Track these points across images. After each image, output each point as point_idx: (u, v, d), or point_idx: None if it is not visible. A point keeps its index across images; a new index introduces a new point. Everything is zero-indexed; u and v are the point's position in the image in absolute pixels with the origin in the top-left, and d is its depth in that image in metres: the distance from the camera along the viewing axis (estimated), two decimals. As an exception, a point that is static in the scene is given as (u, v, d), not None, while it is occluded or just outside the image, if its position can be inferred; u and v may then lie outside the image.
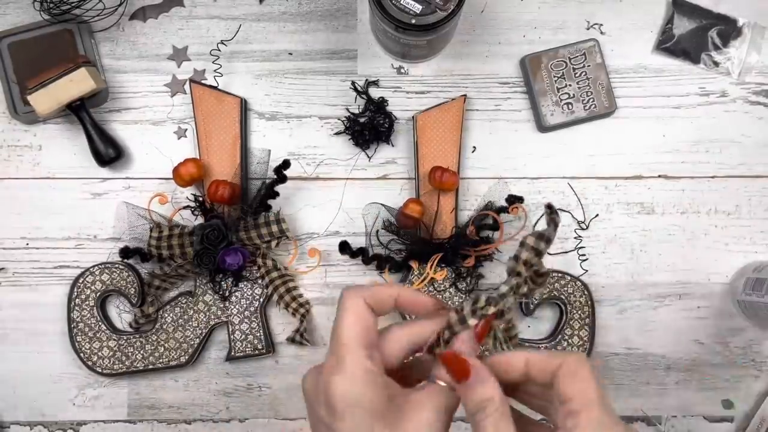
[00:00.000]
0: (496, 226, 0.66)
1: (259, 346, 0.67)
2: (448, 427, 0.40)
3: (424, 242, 0.66)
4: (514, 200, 0.66)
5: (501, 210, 0.67)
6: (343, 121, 0.69)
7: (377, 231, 0.68)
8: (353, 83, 0.70)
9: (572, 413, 0.36)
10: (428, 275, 0.65)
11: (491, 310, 0.39)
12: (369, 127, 0.68)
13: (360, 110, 0.69)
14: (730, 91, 0.70)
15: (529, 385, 0.41)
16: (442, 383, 0.40)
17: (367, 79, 0.69)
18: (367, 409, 0.37)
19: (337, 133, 0.69)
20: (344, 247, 0.66)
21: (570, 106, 0.69)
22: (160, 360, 0.67)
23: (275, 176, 0.65)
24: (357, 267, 0.68)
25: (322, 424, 0.38)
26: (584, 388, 0.36)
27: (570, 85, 0.69)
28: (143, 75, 0.70)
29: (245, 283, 0.68)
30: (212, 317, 0.67)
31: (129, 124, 0.70)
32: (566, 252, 0.69)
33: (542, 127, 0.69)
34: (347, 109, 0.69)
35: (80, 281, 0.67)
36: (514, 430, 0.38)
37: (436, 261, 0.65)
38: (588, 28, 0.70)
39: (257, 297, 0.68)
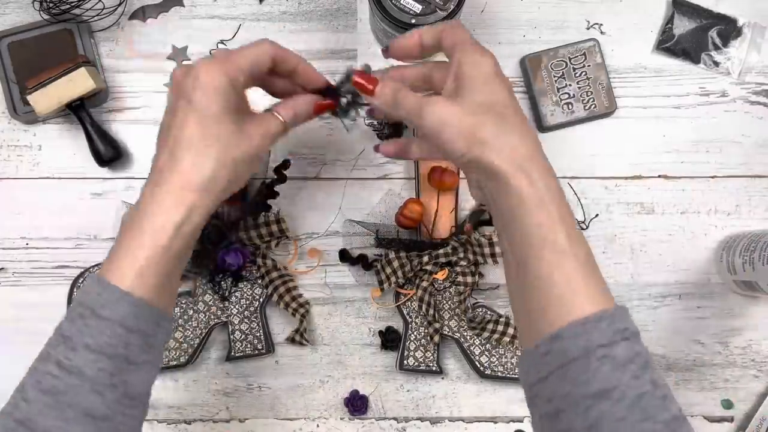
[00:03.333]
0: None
1: (259, 346, 0.67)
2: (267, 149, 0.51)
3: (424, 243, 0.66)
4: None
5: None
6: (374, 123, 0.69)
7: (377, 231, 0.67)
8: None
9: (452, 49, 0.49)
10: (431, 278, 0.65)
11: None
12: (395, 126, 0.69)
13: None
14: (730, 91, 0.70)
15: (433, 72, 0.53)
16: (278, 115, 0.51)
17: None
18: (226, 100, 0.47)
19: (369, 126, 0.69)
20: (344, 255, 0.67)
21: (570, 106, 0.69)
22: (160, 360, 0.67)
23: (275, 176, 0.64)
24: (357, 268, 0.68)
25: (182, 98, 0.47)
26: (459, 34, 0.49)
27: (570, 85, 0.69)
28: (143, 75, 0.70)
29: (245, 283, 0.68)
30: (212, 317, 0.67)
31: (129, 124, 0.70)
32: (566, 252, 0.69)
33: (542, 127, 0.69)
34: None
35: (80, 281, 0.67)
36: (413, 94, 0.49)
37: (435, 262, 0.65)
38: (588, 28, 0.70)
39: (257, 297, 0.68)
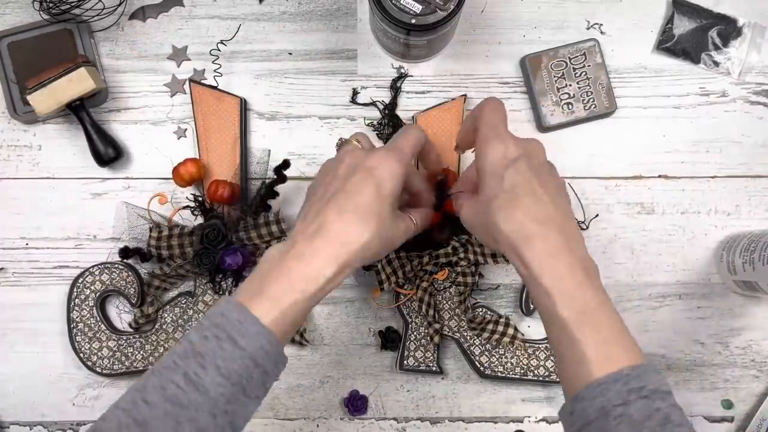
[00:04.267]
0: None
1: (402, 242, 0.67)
2: (401, 243, 0.57)
3: (424, 243, 0.66)
4: None
5: None
6: (374, 123, 0.69)
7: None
8: (354, 91, 0.70)
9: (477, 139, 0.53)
10: (432, 278, 0.65)
11: None
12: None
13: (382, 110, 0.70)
14: (730, 91, 0.70)
15: None
16: (413, 220, 0.57)
17: (401, 74, 0.70)
18: (396, 187, 0.52)
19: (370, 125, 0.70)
20: None
21: (570, 106, 0.69)
22: (160, 360, 0.67)
23: (275, 176, 0.65)
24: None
25: (364, 170, 0.51)
26: (481, 124, 0.53)
27: (570, 85, 0.69)
28: (143, 75, 0.70)
29: (245, 283, 0.68)
30: (212, 317, 0.67)
31: (129, 124, 0.70)
32: (566, 252, 0.69)
33: (542, 127, 0.69)
34: (377, 105, 0.69)
35: (80, 281, 0.67)
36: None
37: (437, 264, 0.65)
38: (588, 28, 0.70)
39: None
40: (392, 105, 0.69)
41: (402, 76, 0.69)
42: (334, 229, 0.49)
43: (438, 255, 0.65)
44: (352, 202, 0.50)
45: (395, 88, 0.69)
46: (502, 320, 0.66)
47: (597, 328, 0.47)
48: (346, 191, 0.51)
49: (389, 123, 0.69)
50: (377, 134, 0.69)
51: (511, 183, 0.50)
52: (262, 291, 0.48)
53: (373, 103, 0.69)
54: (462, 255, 0.65)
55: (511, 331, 0.65)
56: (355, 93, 0.70)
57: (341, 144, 0.58)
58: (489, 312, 0.68)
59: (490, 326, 0.65)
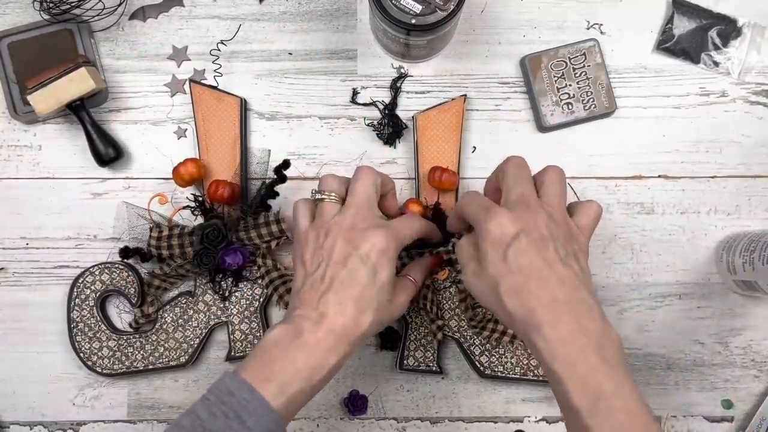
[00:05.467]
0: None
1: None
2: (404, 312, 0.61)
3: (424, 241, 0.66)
4: None
5: None
6: (374, 124, 0.69)
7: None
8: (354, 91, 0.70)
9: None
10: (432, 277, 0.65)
11: None
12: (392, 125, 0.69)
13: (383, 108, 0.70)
14: (730, 91, 0.70)
15: None
16: (412, 279, 0.60)
17: (402, 74, 0.70)
18: (392, 265, 0.55)
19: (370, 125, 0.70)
20: None
21: (570, 106, 0.69)
22: (160, 360, 0.67)
23: (275, 176, 0.65)
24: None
25: (357, 258, 0.53)
26: (468, 209, 0.54)
27: (570, 85, 0.69)
28: (143, 75, 0.70)
29: (245, 283, 0.68)
30: (212, 317, 0.67)
31: (129, 124, 0.70)
32: (566, 252, 0.69)
33: (542, 127, 0.69)
34: (377, 106, 0.69)
35: (80, 281, 0.67)
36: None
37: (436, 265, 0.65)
38: (588, 28, 0.70)
39: (257, 297, 0.68)
40: (392, 105, 0.69)
41: (402, 76, 0.69)
42: (336, 321, 0.52)
43: (438, 252, 0.65)
44: (350, 293, 0.52)
45: (395, 88, 0.69)
46: None
47: (611, 416, 0.45)
48: (342, 281, 0.53)
49: (389, 123, 0.69)
50: (377, 134, 0.69)
51: (516, 264, 0.49)
52: (270, 376, 0.50)
53: (373, 103, 0.69)
54: None
55: (510, 331, 0.65)
56: (355, 93, 0.70)
57: (315, 198, 0.58)
58: (489, 311, 0.68)
59: (490, 325, 0.65)
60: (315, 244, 0.55)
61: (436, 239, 0.64)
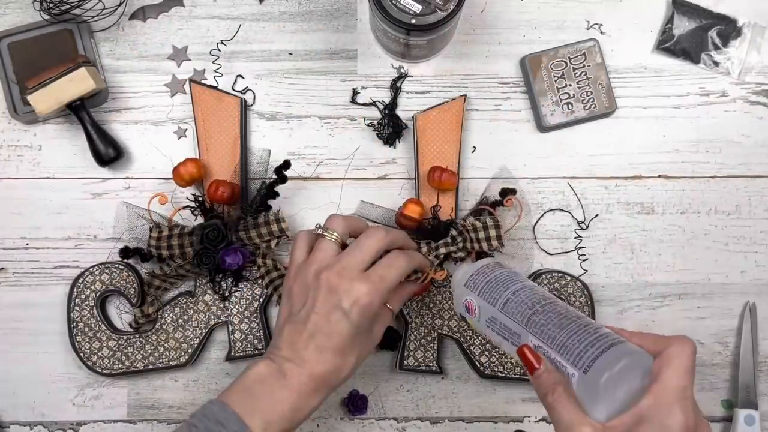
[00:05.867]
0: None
1: (259, 346, 0.67)
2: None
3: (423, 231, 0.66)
4: (507, 193, 0.67)
5: (496, 204, 0.67)
6: (374, 124, 0.69)
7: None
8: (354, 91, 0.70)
9: (651, 389, 0.45)
10: (428, 276, 0.65)
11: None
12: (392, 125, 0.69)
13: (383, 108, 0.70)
14: (730, 91, 0.70)
15: None
16: (390, 307, 0.59)
17: (401, 74, 0.70)
18: (374, 313, 0.55)
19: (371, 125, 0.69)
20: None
21: (570, 106, 0.69)
22: (160, 360, 0.67)
23: (275, 176, 0.65)
24: (357, 267, 0.68)
25: (339, 310, 0.54)
26: (669, 375, 0.45)
27: (570, 85, 0.69)
28: (143, 75, 0.70)
29: (245, 283, 0.68)
30: (212, 317, 0.67)
31: (129, 124, 0.70)
32: (566, 252, 0.69)
33: (542, 127, 0.69)
34: (377, 106, 0.69)
35: (80, 281, 0.67)
36: (577, 405, 0.46)
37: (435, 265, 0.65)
38: (588, 28, 0.70)
39: (257, 297, 0.68)
40: (392, 105, 0.69)
41: (402, 76, 0.69)
42: (316, 369, 0.54)
43: (438, 246, 0.65)
44: (332, 345, 0.54)
45: (395, 88, 0.69)
46: None
47: None
48: (324, 334, 0.54)
49: (389, 123, 0.69)
50: (377, 134, 0.69)
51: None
52: (255, 412, 0.52)
53: (373, 103, 0.69)
54: (461, 245, 0.65)
55: None
56: (355, 93, 0.70)
57: (317, 233, 0.58)
58: None
59: None
60: (302, 282, 0.56)
61: (423, 268, 0.62)
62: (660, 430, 0.44)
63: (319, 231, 0.58)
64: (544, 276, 0.67)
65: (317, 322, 0.54)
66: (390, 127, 0.68)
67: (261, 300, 0.68)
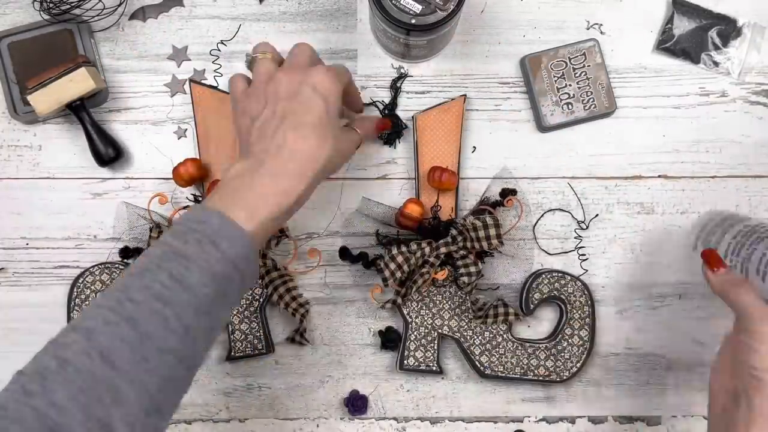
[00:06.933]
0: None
1: (259, 346, 0.67)
2: (352, 155, 0.61)
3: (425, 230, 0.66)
4: (507, 193, 0.67)
5: (497, 204, 0.67)
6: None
7: (377, 231, 0.68)
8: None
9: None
10: (430, 276, 0.65)
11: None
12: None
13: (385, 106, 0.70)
14: (730, 91, 0.70)
15: None
16: (358, 131, 0.60)
17: (401, 73, 0.70)
18: (338, 97, 0.54)
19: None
20: (344, 252, 0.66)
21: (570, 106, 0.69)
22: (160, 360, 0.67)
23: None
24: (356, 267, 0.68)
25: (308, 86, 0.52)
26: None
27: (570, 85, 0.69)
28: (143, 75, 0.70)
29: (245, 283, 0.68)
30: (212, 317, 0.67)
31: (129, 124, 0.70)
32: (566, 252, 0.69)
33: (542, 127, 0.69)
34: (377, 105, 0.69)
35: (80, 281, 0.67)
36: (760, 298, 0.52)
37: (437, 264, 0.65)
38: (588, 28, 0.70)
39: (257, 297, 0.68)
40: (392, 105, 0.69)
41: (402, 76, 0.69)
42: (296, 148, 0.51)
43: (438, 246, 0.64)
44: (306, 119, 0.51)
45: (395, 88, 0.69)
46: (500, 302, 0.67)
47: None
48: (295, 111, 0.52)
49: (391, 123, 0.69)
50: (378, 134, 0.69)
51: None
52: (238, 203, 0.49)
53: (372, 103, 0.69)
54: (461, 244, 0.65)
55: (511, 309, 0.66)
56: None
57: (251, 61, 0.57)
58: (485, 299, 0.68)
59: (492, 311, 0.66)
60: (256, 93, 0.54)
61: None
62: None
63: (250, 57, 0.57)
64: (544, 276, 0.67)
65: (286, 106, 0.52)
66: (390, 128, 0.68)
67: (261, 300, 0.68)
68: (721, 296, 0.55)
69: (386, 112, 0.69)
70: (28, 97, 0.64)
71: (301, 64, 0.55)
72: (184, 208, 0.67)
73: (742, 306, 0.52)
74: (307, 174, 0.51)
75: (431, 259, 0.65)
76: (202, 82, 0.69)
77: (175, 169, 0.66)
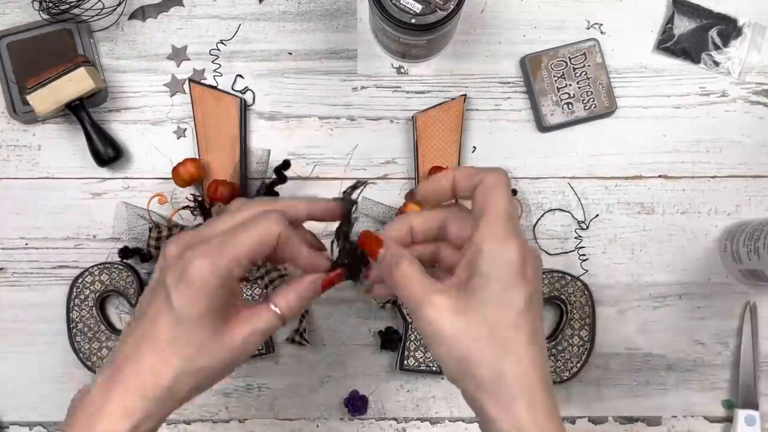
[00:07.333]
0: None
1: (259, 346, 0.67)
2: (251, 353, 0.43)
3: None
4: None
5: None
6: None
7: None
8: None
9: (479, 216, 0.41)
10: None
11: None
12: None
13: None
14: (730, 91, 0.70)
15: (443, 250, 0.45)
16: (274, 308, 0.42)
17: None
18: (211, 302, 0.40)
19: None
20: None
21: (570, 106, 0.69)
22: (160, 360, 0.67)
23: (275, 176, 0.64)
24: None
25: (162, 287, 0.40)
26: (495, 200, 0.41)
27: (570, 85, 0.69)
28: (142, 75, 0.70)
29: (245, 283, 0.68)
30: (212, 317, 0.67)
31: (128, 124, 0.70)
32: (566, 252, 0.69)
33: (542, 127, 0.69)
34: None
35: (79, 281, 0.67)
36: (421, 268, 0.41)
37: None
38: (588, 28, 0.70)
39: (257, 297, 0.68)
40: (346, 232, 0.45)
41: (359, 185, 0.45)
42: (128, 370, 0.40)
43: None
44: (146, 334, 0.40)
45: (347, 217, 0.45)
46: None
47: None
48: (145, 314, 0.41)
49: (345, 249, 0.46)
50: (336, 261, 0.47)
51: (513, 320, 0.39)
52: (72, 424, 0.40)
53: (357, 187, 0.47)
54: None
55: None
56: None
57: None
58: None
59: None
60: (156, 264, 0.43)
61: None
62: (500, 266, 0.39)
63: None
64: (544, 276, 0.67)
65: (140, 307, 0.42)
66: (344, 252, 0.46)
67: (261, 300, 0.67)
68: (392, 290, 0.43)
69: (340, 242, 0.45)
70: (28, 97, 0.64)
71: (198, 236, 0.41)
72: (184, 208, 0.67)
73: (401, 288, 0.41)
74: (135, 410, 0.40)
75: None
76: (202, 81, 0.69)
77: (175, 169, 0.66)
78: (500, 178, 0.41)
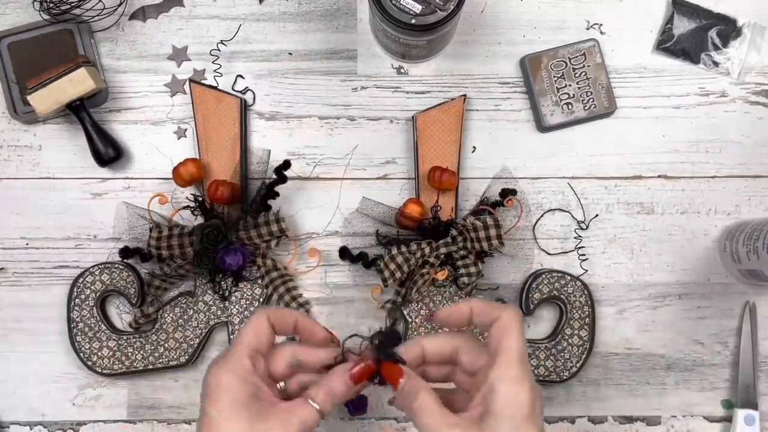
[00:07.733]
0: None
1: None
2: None
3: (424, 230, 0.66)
4: (507, 193, 0.67)
5: (496, 204, 0.67)
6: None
7: (377, 231, 0.68)
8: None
9: (494, 354, 0.45)
10: (430, 277, 0.65)
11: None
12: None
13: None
14: (730, 91, 0.70)
15: (457, 374, 0.50)
16: (313, 403, 0.46)
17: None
18: (233, 396, 0.45)
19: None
20: (344, 252, 0.66)
21: (570, 106, 0.69)
22: (160, 360, 0.67)
23: (275, 176, 0.65)
24: (356, 267, 0.68)
25: (201, 409, 0.46)
26: (510, 339, 0.45)
27: (570, 85, 0.69)
28: (143, 75, 0.70)
29: (245, 283, 0.68)
30: (212, 317, 0.67)
31: (129, 124, 0.70)
32: (566, 252, 0.69)
33: (542, 127, 0.69)
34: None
35: (80, 281, 0.67)
36: (442, 407, 0.45)
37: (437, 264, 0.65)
38: (588, 28, 0.70)
39: (257, 297, 0.68)
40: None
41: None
42: None
43: (438, 246, 0.65)
44: None
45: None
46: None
47: None
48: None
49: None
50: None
51: None
52: None
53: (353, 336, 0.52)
54: (461, 244, 0.65)
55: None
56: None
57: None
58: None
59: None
60: None
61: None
62: (513, 408, 0.43)
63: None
64: (544, 276, 0.67)
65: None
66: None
67: (261, 300, 0.68)
68: (408, 414, 0.46)
69: (376, 344, 0.49)
70: (28, 97, 0.64)
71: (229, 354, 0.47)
72: (184, 208, 0.67)
73: (419, 418, 0.44)
74: None
75: (431, 260, 0.65)
76: (202, 82, 0.69)
77: (175, 169, 0.66)
78: (514, 317, 0.46)
